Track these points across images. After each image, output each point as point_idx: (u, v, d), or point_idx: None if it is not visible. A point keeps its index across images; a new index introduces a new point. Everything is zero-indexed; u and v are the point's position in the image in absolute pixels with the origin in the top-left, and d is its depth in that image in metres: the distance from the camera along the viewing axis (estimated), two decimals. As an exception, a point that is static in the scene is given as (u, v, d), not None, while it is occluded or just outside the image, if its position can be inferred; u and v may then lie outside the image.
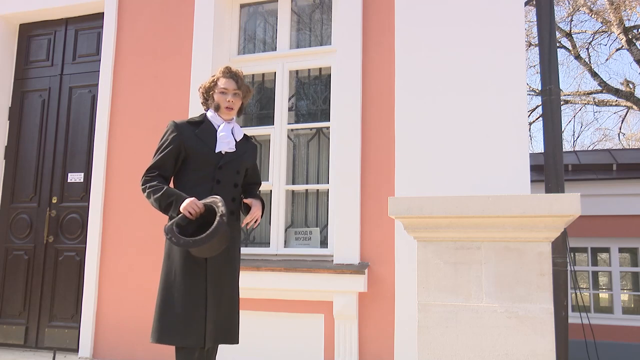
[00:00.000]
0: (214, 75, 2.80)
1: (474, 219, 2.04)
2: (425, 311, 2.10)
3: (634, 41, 13.06)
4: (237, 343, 2.63)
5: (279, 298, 3.81)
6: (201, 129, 2.70)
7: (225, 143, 2.68)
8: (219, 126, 2.73)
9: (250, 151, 2.83)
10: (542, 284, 1.99)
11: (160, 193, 2.56)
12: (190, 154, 2.64)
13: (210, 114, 2.77)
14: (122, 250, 4.35)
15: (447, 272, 2.10)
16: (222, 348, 2.83)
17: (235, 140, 2.74)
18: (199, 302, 2.49)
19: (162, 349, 4.08)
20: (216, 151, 2.66)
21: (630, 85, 13.88)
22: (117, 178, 4.45)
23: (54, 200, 4.74)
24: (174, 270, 2.54)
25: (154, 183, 2.61)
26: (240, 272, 2.80)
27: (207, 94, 2.77)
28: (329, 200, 4.06)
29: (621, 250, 8.65)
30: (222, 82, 2.73)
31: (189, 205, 2.48)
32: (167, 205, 2.56)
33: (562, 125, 5.62)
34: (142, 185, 2.66)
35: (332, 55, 4.17)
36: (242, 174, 2.78)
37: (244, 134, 2.84)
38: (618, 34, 13.03)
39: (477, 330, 2.03)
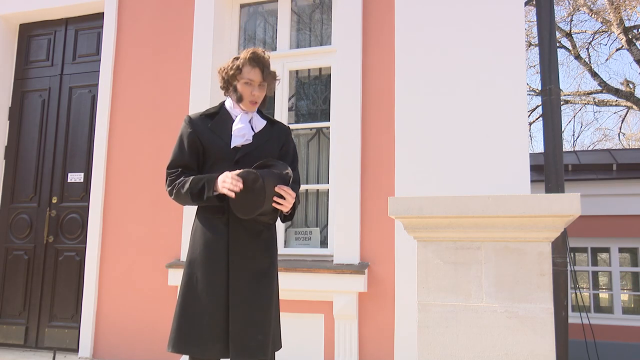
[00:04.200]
0: (237, 58, 2.45)
1: (474, 219, 2.04)
2: (425, 311, 2.10)
3: (634, 41, 13.06)
4: (267, 357, 2.32)
5: (279, 298, 3.80)
6: (215, 121, 2.44)
7: (240, 137, 2.40)
8: (236, 117, 2.45)
9: (276, 137, 2.50)
10: (542, 284, 1.99)
11: (189, 184, 2.32)
12: (205, 149, 2.41)
13: (228, 103, 2.50)
14: (122, 250, 4.35)
15: (447, 272, 2.10)
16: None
17: (254, 131, 2.45)
18: (219, 307, 2.28)
19: (162, 349, 4.08)
20: (231, 146, 2.40)
21: (630, 85, 13.89)
22: (117, 178, 4.45)
23: (54, 200, 4.74)
24: (195, 275, 2.33)
25: (180, 179, 2.37)
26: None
27: (229, 81, 2.45)
28: (329, 200, 4.06)
29: (621, 250, 8.66)
30: (247, 72, 2.40)
31: (223, 181, 2.23)
32: (199, 190, 2.30)
33: (562, 125, 5.62)
34: (168, 187, 2.41)
35: (332, 55, 4.17)
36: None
37: (269, 120, 2.53)
38: (618, 34, 13.03)
39: (477, 330, 2.03)
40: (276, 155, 2.50)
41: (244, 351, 2.27)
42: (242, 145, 2.42)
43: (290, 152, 2.56)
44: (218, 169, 2.38)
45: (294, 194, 2.33)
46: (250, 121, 2.47)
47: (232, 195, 2.22)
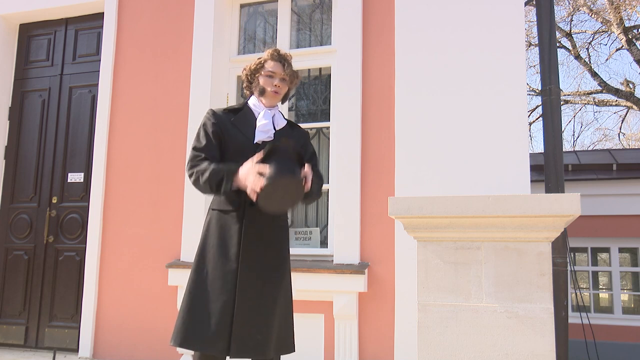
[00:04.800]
0: (260, 57, 2.58)
1: (474, 219, 2.04)
2: (425, 311, 2.10)
3: (634, 41, 13.06)
4: (269, 358, 2.32)
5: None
6: (238, 116, 2.50)
7: (264, 132, 2.46)
8: (259, 113, 2.51)
9: (295, 139, 2.54)
10: (542, 284, 1.99)
11: (208, 173, 2.30)
12: (226, 143, 2.44)
13: (252, 100, 2.56)
14: (122, 250, 4.35)
15: (447, 272, 2.10)
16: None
17: (275, 129, 2.50)
18: (227, 307, 2.28)
19: (162, 349, 4.08)
20: (255, 141, 2.44)
21: (630, 85, 13.89)
22: (117, 178, 4.45)
23: (54, 200, 4.74)
24: (206, 269, 2.34)
25: (201, 166, 2.36)
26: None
27: (252, 77, 2.56)
28: (329, 200, 4.06)
29: (621, 250, 8.66)
30: (269, 65, 2.51)
31: (246, 179, 2.21)
32: (217, 183, 2.30)
33: (562, 125, 5.62)
34: (189, 170, 2.39)
35: (332, 55, 4.17)
36: None
37: (288, 121, 2.60)
38: (618, 34, 13.03)
39: (477, 330, 2.03)
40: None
41: (242, 350, 2.27)
42: (263, 142, 2.46)
43: (309, 154, 2.60)
44: (238, 160, 2.38)
45: (311, 173, 2.33)
46: (272, 118, 2.52)
47: (254, 195, 2.22)
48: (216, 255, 2.34)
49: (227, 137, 2.45)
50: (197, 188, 2.41)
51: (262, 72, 2.52)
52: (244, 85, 2.62)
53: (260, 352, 2.29)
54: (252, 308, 2.30)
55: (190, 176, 2.41)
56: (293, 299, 2.55)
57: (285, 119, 2.60)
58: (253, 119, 2.51)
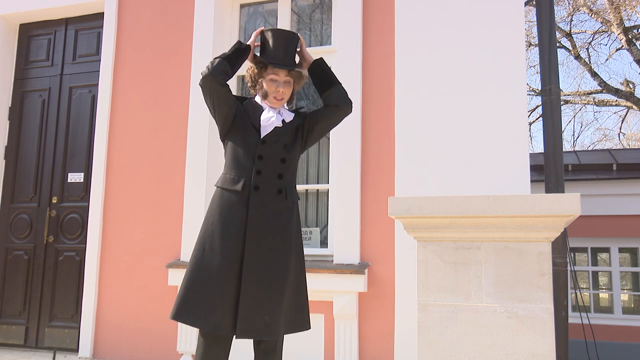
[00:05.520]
0: None
1: (474, 219, 2.04)
2: (425, 311, 2.10)
3: (634, 41, 13.07)
4: (275, 338, 2.33)
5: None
6: (245, 104, 2.52)
7: (269, 125, 2.45)
8: (264, 109, 2.51)
9: (297, 121, 2.56)
10: (542, 284, 1.99)
11: (220, 54, 2.43)
12: (236, 120, 2.45)
13: (258, 99, 2.56)
14: (122, 250, 4.35)
15: (447, 272, 2.10)
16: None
17: (284, 122, 2.51)
18: (230, 283, 2.27)
19: (162, 349, 4.08)
20: (261, 134, 2.44)
21: (630, 85, 13.89)
22: (117, 178, 4.45)
23: (54, 200, 4.74)
24: (210, 242, 2.32)
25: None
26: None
27: (256, 79, 2.53)
28: (329, 200, 4.06)
29: (621, 250, 8.66)
30: (271, 68, 2.47)
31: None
32: (228, 52, 2.43)
33: (562, 125, 5.62)
34: (201, 75, 2.42)
35: (332, 55, 4.17)
36: (294, 147, 2.50)
37: (296, 112, 2.60)
38: (618, 34, 13.03)
39: (477, 330, 2.03)
40: (298, 136, 2.55)
41: (249, 331, 2.27)
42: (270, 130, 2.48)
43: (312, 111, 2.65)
44: (244, 147, 2.42)
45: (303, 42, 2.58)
46: (278, 113, 2.52)
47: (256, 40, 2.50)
48: (221, 234, 2.33)
49: (237, 115, 2.45)
50: (209, 76, 2.38)
51: (265, 76, 2.49)
52: (249, 84, 2.60)
53: (267, 334, 2.29)
54: (259, 289, 2.29)
55: (202, 73, 2.39)
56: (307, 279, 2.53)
57: (292, 112, 2.59)
58: (260, 110, 2.51)
